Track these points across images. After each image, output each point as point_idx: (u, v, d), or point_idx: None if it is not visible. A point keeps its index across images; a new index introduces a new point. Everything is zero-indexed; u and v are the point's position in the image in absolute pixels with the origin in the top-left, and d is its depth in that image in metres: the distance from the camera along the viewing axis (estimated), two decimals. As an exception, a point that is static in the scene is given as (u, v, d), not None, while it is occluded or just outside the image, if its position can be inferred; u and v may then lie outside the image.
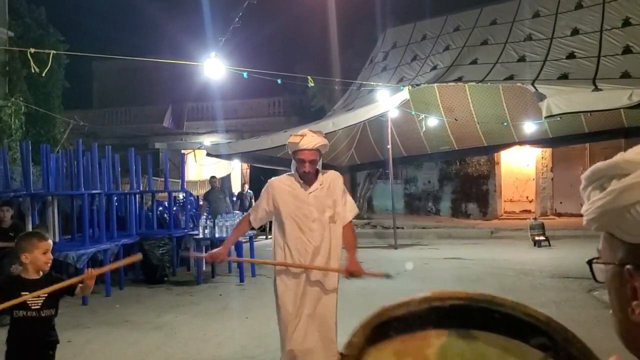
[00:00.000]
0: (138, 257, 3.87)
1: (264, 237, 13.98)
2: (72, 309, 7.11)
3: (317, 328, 3.66)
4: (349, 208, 3.89)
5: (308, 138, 3.69)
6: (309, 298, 3.70)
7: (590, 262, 0.79)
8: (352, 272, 3.69)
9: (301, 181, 3.77)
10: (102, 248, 8.19)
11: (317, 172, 3.84)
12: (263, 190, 3.91)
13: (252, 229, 4.31)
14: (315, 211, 3.73)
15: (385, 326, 0.89)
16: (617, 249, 0.73)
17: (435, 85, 12.35)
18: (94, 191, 8.60)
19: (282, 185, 3.82)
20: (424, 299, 0.91)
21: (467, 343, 0.88)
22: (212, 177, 13.05)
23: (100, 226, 8.60)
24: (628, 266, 0.70)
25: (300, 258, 3.71)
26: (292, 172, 3.86)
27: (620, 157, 0.72)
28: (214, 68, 8.08)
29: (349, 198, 3.95)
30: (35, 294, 3.07)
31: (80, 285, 3.25)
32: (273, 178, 3.95)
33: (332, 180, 3.85)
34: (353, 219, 3.95)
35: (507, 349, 0.87)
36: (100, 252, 8.19)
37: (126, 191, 10.07)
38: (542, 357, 0.85)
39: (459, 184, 18.86)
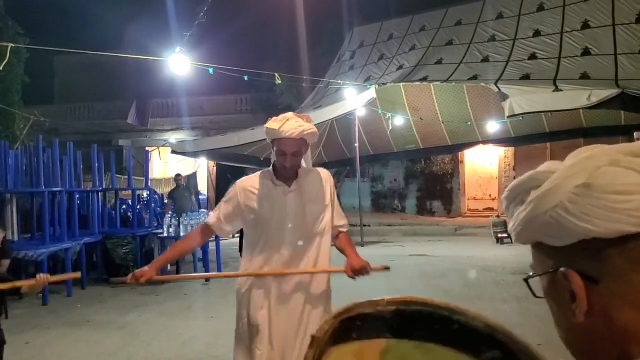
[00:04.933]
0: (77, 275, 3.76)
1: (231, 235, 13.88)
2: (32, 310, 6.93)
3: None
4: (340, 217, 3.17)
5: (291, 123, 2.84)
6: (287, 322, 2.91)
7: (526, 280, 0.79)
8: (359, 269, 2.96)
9: (278, 180, 2.99)
10: (64, 247, 8.01)
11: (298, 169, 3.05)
12: (230, 192, 3.11)
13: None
14: (293, 216, 2.97)
15: (350, 326, 0.91)
16: (548, 257, 0.74)
17: (401, 84, 12.47)
18: (55, 189, 8.39)
19: (253, 186, 3.02)
20: (392, 301, 0.94)
21: (423, 353, 0.91)
22: (178, 175, 12.89)
23: (61, 225, 8.40)
24: (562, 269, 0.71)
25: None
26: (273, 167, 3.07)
27: (532, 171, 0.75)
28: (179, 64, 7.97)
29: (339, 208, 3.18)
30: None
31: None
32: (242, 178, 3.16)
33: (318, 179, 3.08)
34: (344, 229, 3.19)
35: None
36: (61, 251, 8.01)
37: (89, 189, 9.87)
38: None
39: (424, 182, 19.11)
